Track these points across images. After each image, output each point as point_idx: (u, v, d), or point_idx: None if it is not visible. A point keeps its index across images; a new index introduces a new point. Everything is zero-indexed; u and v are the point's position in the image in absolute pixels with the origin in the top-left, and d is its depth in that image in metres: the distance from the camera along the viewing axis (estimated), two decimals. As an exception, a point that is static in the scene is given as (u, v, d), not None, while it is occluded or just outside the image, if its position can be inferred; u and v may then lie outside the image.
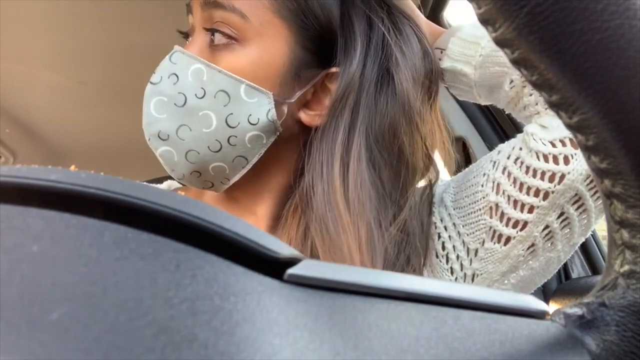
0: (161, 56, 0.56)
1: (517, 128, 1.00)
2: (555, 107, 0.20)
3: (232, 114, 0.53)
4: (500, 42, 0.19)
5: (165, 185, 0.70)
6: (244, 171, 0.56)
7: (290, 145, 0.57)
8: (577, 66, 0.18)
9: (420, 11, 0.63)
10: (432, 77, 0.58)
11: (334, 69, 0.56)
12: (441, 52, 0.59)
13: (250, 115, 0.53)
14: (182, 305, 0.15)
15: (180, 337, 0.14)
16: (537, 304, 0.21)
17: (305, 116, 0.57)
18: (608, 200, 0.20)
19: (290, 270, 0.18)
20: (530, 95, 0.54)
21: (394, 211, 0.54)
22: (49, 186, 0.17)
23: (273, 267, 0.18)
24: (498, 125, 1.08)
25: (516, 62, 0.19)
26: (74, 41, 1.08)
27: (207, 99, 0.52)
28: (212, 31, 0.53)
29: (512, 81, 0.55)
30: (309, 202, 0.53)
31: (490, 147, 1.01)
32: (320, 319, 0.17)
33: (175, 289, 0.15)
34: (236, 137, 0.54)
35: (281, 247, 0.18)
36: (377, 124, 0.54)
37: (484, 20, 0.19)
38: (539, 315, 0.20)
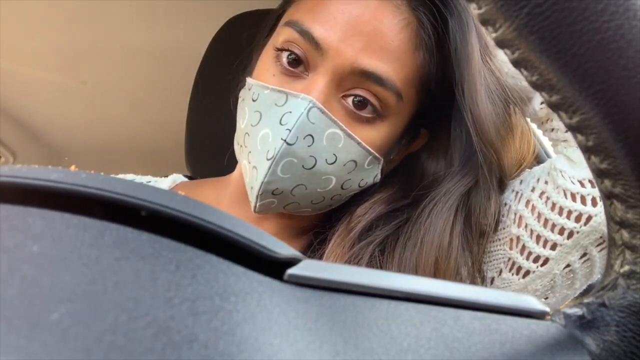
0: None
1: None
2: (556, 107, 0.20)
3: (350, 179, 0.52)
4: (500, 43, 0.19)
5: (170, 179, 0.69)
6: (322, 211, 0.56)
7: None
8: (577, 66, 0.18)
9: None
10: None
11: (423, 130, 0.57)
12: None
13: (362, 179, 0.54)
14: (182, 305, 0.15)
15: (180, 337, 0.14)
16: (537, 304, 0.21)
17: (384, 165, 0.57)
18: (608, 201, 0.20)
19: (290, 271, 0.18)
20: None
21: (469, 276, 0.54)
22: (49, 186, 0.17)
23: (273, 267, 0.18)
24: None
25: (516, 63, 0.19)
26: (74, 41, 1.08)
27: (336, 166, 0.50)
28: (362, 99, 0.49)
29: (543, 102, 0.53)
30: (387, 247, 0.53)
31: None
32: (321, 319, 0.17)
33: (175, 289, 0.15)
34: (340, 195, 0.54)
35: (281, 247, 0.18)
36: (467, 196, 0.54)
37: (484, 20, 0.19)
38: (539, 315, 0.20)
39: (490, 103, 0.52)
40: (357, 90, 0.49)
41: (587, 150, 0.20)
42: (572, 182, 0.50)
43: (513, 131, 0.56)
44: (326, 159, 0.49)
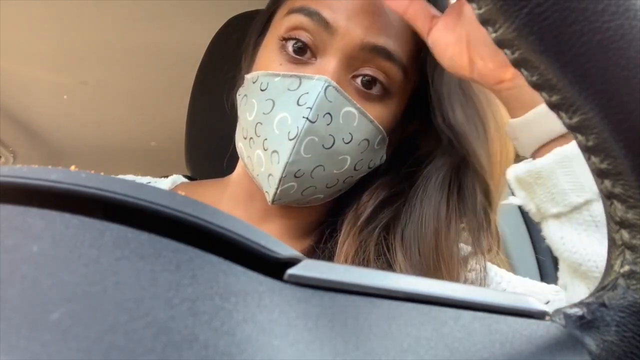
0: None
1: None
2: (556, 107, 0.20)
3: (362, 159, 0.53)
4: (500, 43, 0.19)
5: (170, 180, 0.69)
6: (331, 198, 0.57)
7: None
8: (577, 67, 0.18)
9: None
10: None
11: (418, 112, 0.57)
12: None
13: (371, 160, 0.55)
14: (183, 305, 0.15)
15: (180, 338, 0.14)
16: (537, 305, 0.21)
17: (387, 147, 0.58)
18: (608, 201, 0.20)
19: (291, 271, 0.18)
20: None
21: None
22: (49, 186, 0.17)
23: (273, 267, 0.18)
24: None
25: (516, 63, 0.19)
26: (74, 41, 1.08)
27: (351, 145, 0.51)
28: (370, 78, 0.51)
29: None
30: (391, 228, 0.54)
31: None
32: (321, 319, 0.17)
33: (175, 289, 0.15)
34: (352, 177, 0.55)
35: (281, 247, 0.18)
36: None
37: (484, 21, 0.19)
38: (539, 315, 0.20)
39: (460, 92, 0.53)
40: (365, 70, 0.51)
41: (587, 150, 0.20)
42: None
43: (485, 123, 0.56)
44: (343, 138, 0.50)
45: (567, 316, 0.21)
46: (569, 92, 0.19)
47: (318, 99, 0.48)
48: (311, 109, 0.48)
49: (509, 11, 0.18)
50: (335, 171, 0.52)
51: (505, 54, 0.20)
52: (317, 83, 0.49)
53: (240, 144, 0.56)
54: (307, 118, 0.48)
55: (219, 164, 0.70)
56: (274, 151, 0.50)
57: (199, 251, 0.17)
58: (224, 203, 0.60)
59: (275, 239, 0.18)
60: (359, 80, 0.51)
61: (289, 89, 0.50)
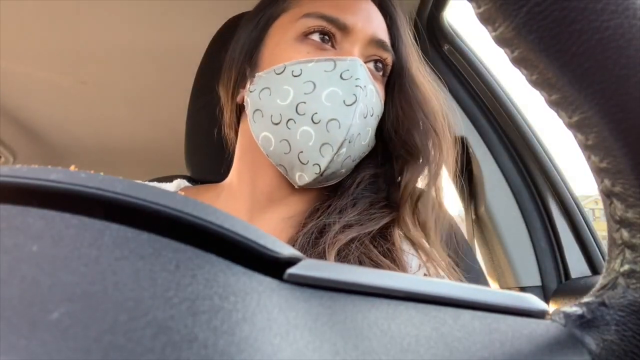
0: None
1: (517, 129, 1.00)
2: (555, 106, 0.20)
3: (372, 136, 0.59)
4: (499, 42, 0.19)
5: (175, 183, 0.71)
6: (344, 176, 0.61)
7: None
8: (576, 66, 0.18)
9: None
10: None
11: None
12: None
13: (373, 140, 0.60)
14: (182, 305, 0.15)
15: (180, 337, 0.14)
16: (537, 304, 0.21)
17: None
18: (608, 200, 0.20)
19: (290, 270, 0.18)
20: None
21: None
22: (49, 186, 0.17)
23: (273, 267, 0.18)
24: (498, 125, 1.08)
25: (516, 62, 0.19)
26: (74, 41, 1.08)
27: (373, 119, 0.58)
28: (382, 64, 0.60)
29: None
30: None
31: (490, 147, 1.01)
32: (320, 318, 0.17)
33: (175, 288, 0.15)
34: (364, 153, 0.60)
35: (281, 247, 0.18)
36: None
37: (484, 20, 0.19)
38: (539, 314, 0.20)
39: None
40: (373, 57, 0.59)
41: (586, 149, 0.20)
42: None
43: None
44: (371, 112, 0.57)
45: (567, 315, 0.21)
46: (569, 91, 0.19)
47: (362, 72, 0.55)
48: (359, 79, 0.54)
49: (508, 10, 0.18)
50: (363, 142, 0.57)
51: (505, 52, 0.20)
52: (352, 62, 0.56)
53: (266, 133, 0.58)
54: (359, 86, 0.54)
55: (218, 164, 0.70)
56: (331, 119, 0.53)
57: (199, 251, 0.17)
58: (220, 204, 0.61)
59: (275, 239, 0.18)
60: (371, 64, 0.59)
61: (325, 71, 0.55)
